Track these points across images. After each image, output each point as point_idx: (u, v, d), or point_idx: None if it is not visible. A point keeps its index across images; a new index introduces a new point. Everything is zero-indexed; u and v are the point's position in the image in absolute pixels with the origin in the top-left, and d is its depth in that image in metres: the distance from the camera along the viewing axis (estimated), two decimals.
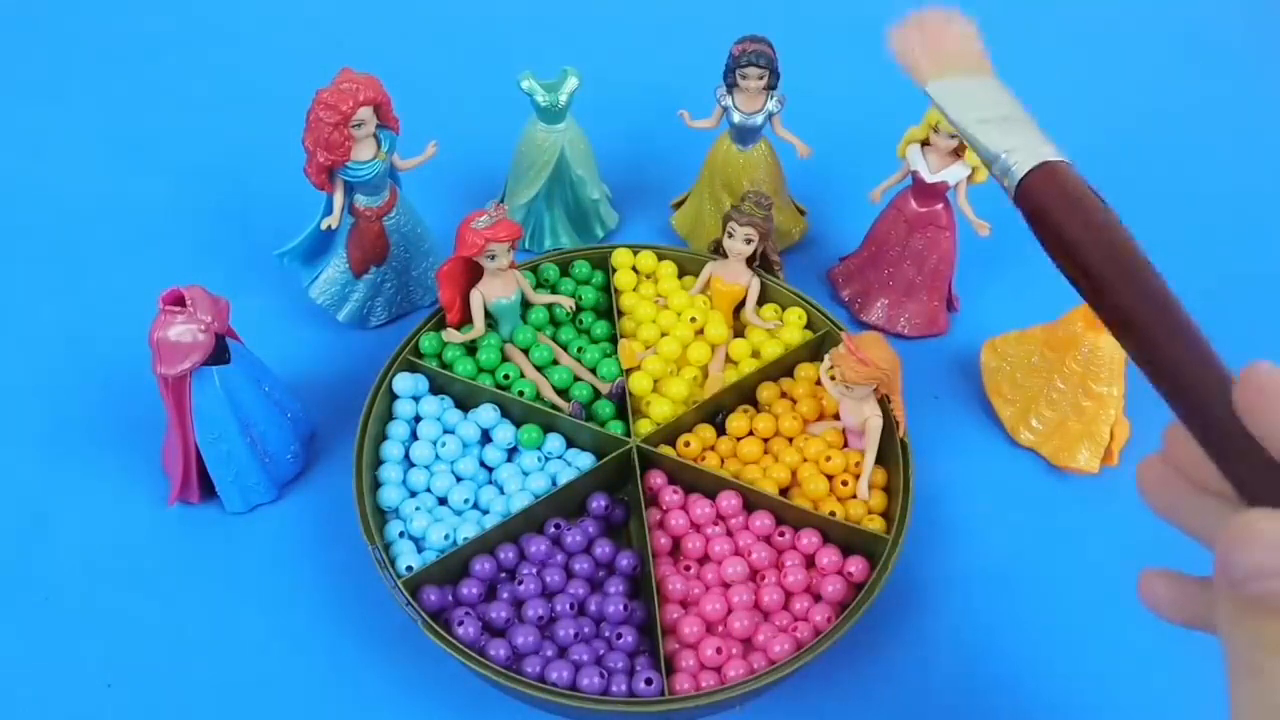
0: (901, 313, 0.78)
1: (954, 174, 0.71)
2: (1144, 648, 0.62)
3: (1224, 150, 0.96)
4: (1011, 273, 0.82)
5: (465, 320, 0.70)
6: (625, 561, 0.62)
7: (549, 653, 0.58)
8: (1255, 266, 0.85)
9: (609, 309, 0.75)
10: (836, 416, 0.67)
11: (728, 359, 0.72)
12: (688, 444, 0.67)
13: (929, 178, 0.71)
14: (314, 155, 0.65)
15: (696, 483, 0.65)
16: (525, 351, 0.71)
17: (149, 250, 0.82)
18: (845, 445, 0.67)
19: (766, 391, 0.70)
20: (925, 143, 0.71)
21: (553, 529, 0.63)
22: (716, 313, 0.73)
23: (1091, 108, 0.98)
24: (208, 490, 0.65)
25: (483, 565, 0.61)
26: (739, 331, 0.74)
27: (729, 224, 0.70)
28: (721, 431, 0.69)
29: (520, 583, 0.60)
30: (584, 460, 0.66)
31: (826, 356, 0.66)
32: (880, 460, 0.65)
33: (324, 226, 0.69)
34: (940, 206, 0.73)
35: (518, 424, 0.68)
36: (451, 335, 0.70)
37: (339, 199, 0.68)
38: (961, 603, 0.64)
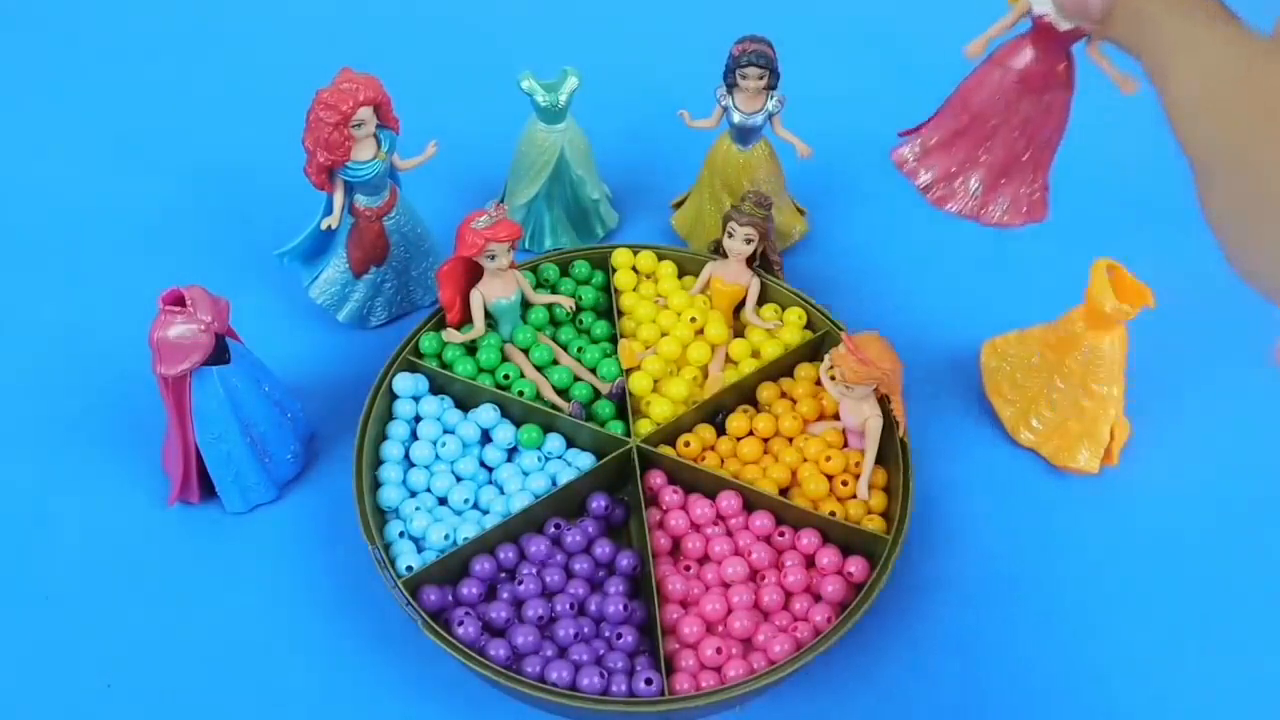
0: (998, 196, 0.65)
1: None
2: (1144, 647, 0.62)
3: None
4: (1011, 273, 0.82)
5: (465, 320, 0.70)
6: (625, 561, 0.62)
7: (549, 653, 0.58)
8: None
9: (609, 309, 0.75)
10: (836, 416, 0.67)
11: (728, 359, 0.72)
12: (688, 444, 0.67)
13: (1062, 23, 0.54)
14: (314, 155, 0.65)
15: (696, 483, 0.65)
16: (525, 351, 0.71)
17: (149, 250, 0.82)
18: (845, 445, 0.67)
19: (766, 391, 0.70)
20: None
21: (553, 529, 0.63)
22: (716, 313, 0.73)
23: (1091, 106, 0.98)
24: (208, 490, 0.65)
25: (483, 565, 0.61)
26: (739, 331, 0.74)
27: (729, 224, 0.70)
28: (721, 431, 0.69)
29: (520, 583, 0.60)
30: (584, 460, 0.66)
31: (826, 356, 0.66)
32: (880, 460, 0.65)
33: (324, 226, 0.69)
34: (1063, 64, 0.57)
35: (518, 424, 0.68)
36: (451, 335, 0.70)
37: (339, 199, 0.68)
38: (961, 603, 0.64)
